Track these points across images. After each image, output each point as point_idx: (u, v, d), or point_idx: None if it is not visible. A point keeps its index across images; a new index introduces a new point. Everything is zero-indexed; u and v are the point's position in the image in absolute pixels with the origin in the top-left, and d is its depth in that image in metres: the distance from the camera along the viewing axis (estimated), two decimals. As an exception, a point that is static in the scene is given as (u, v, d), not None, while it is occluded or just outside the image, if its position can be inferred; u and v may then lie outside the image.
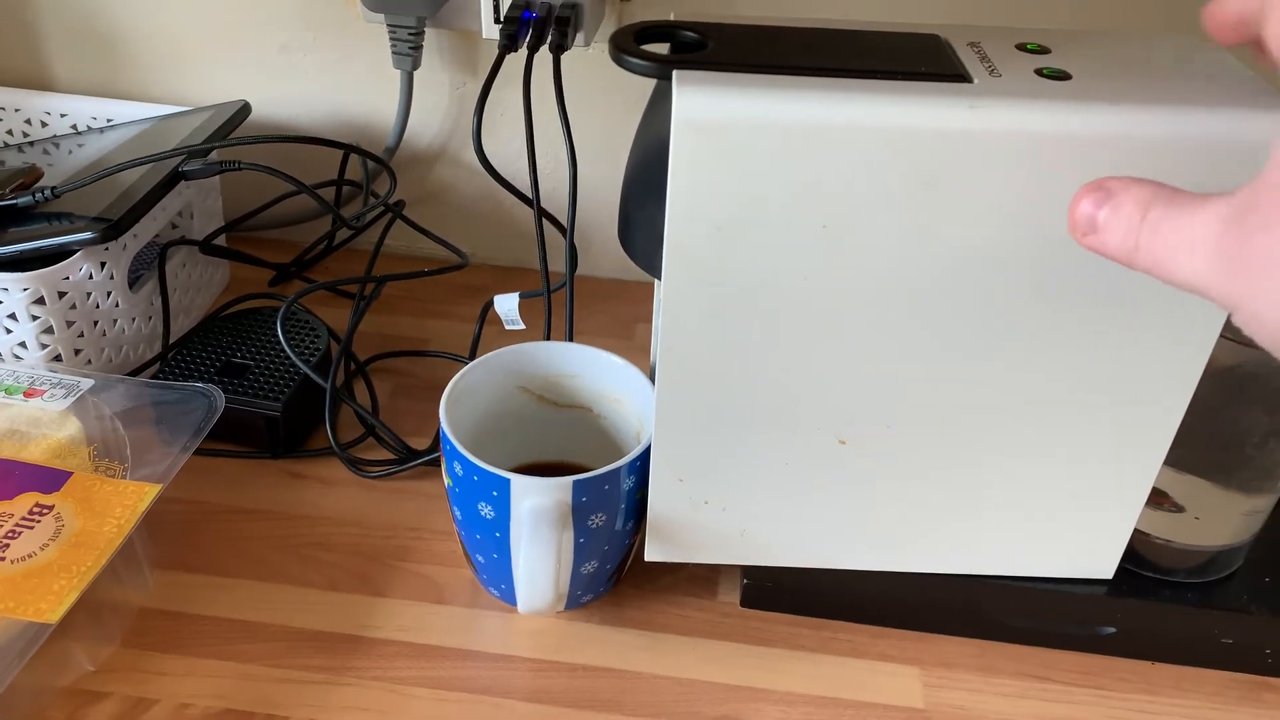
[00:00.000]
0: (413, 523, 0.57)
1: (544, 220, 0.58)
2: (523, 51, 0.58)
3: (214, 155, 0.63)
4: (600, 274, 0.78)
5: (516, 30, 0.58)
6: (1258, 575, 0.52)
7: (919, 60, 0.39)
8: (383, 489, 0.59)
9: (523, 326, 0.59)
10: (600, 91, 0.70)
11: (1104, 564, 0.50)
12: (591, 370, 0.54)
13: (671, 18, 0.42)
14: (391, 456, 0.60)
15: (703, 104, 0.36)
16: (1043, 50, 0.40)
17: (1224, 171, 0.36)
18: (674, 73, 0.37)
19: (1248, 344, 0.45)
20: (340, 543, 0.55)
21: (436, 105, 0.73)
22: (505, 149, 0.74)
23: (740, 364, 0.43)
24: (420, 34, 0.67)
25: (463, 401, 0.51)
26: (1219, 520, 0.51)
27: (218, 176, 0.68)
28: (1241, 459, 0.48)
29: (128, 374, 0.61)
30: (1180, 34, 0.43)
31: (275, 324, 0.62)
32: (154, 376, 0.61)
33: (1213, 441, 0.48)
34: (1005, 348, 0.42)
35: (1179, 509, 0.51)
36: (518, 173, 0.73)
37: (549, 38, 0.58)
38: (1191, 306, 0.40)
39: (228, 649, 0.49)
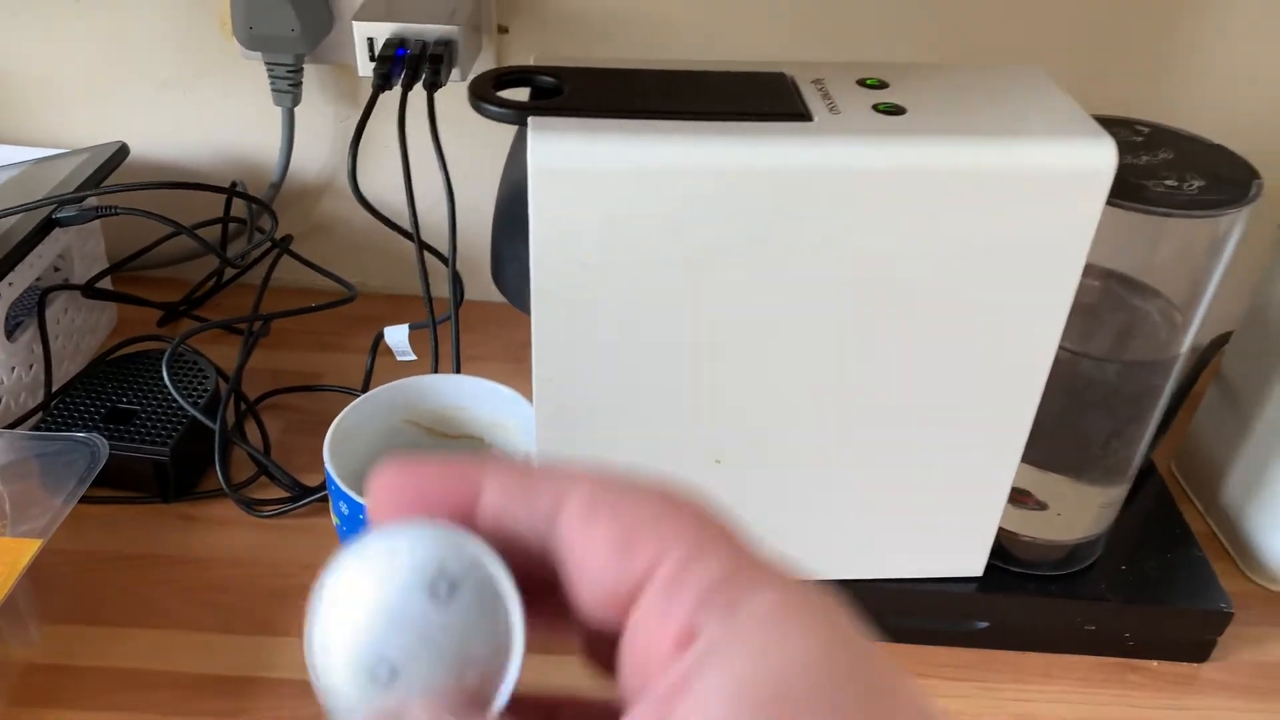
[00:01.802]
0: (309, 560, 0.57)
1: (429, 251, 0.59)
2: (399, 88, 0.58)
3: (91, 199, 0.63)
4: (492, 299, 0.78)
5: (390, 68, 0.58)
6: (1114, 564, 0.55)
7: (764, 100, 0.41)
8: (277, 528, 0.59)
9: (414, 357, 0.60)
10: (483, 119, 0.71)
11: (973, 562, 0.53)
12: (479, 401, 0.55)
13: (531, 61, 0.44)
14: (285, 495, 0.61)
15: (556, 150, 0.38)
16: (881, 85, 0.42)
17: (1046, 197, 0.39)
18: (529, 119, 0.39)
19: (1084, 354, 0.48)
20: (235, 584, 0.55)
21: (320, 139, 0.73)
22: (391, 181, 0.74)
23: (614, 393, 0.44)
24: (299, 70, 0.67)
25: (349, 439, 0.51)
26: (1078, 514, 0.54)
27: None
28: (1091, 457, 0.51)
29: (7, 426, 0.60)
30: (1012, 62, 0.46)
31: (162, 367, 0.62)
32: (36, 426, 0.60)
33: (1065, 442, 0.51)
34: (861, 366, 0.44)
35: (1042, 506, 0.54)
36: (404, 204, 0.74)
37: (424, 74, 0.59)
38: (1029, 319, 0.43)
39: (120, 699, 0.49)
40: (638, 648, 0.19)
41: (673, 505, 0.20)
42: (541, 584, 0.21)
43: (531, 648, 0.21)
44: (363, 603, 0.19)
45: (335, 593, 0.19)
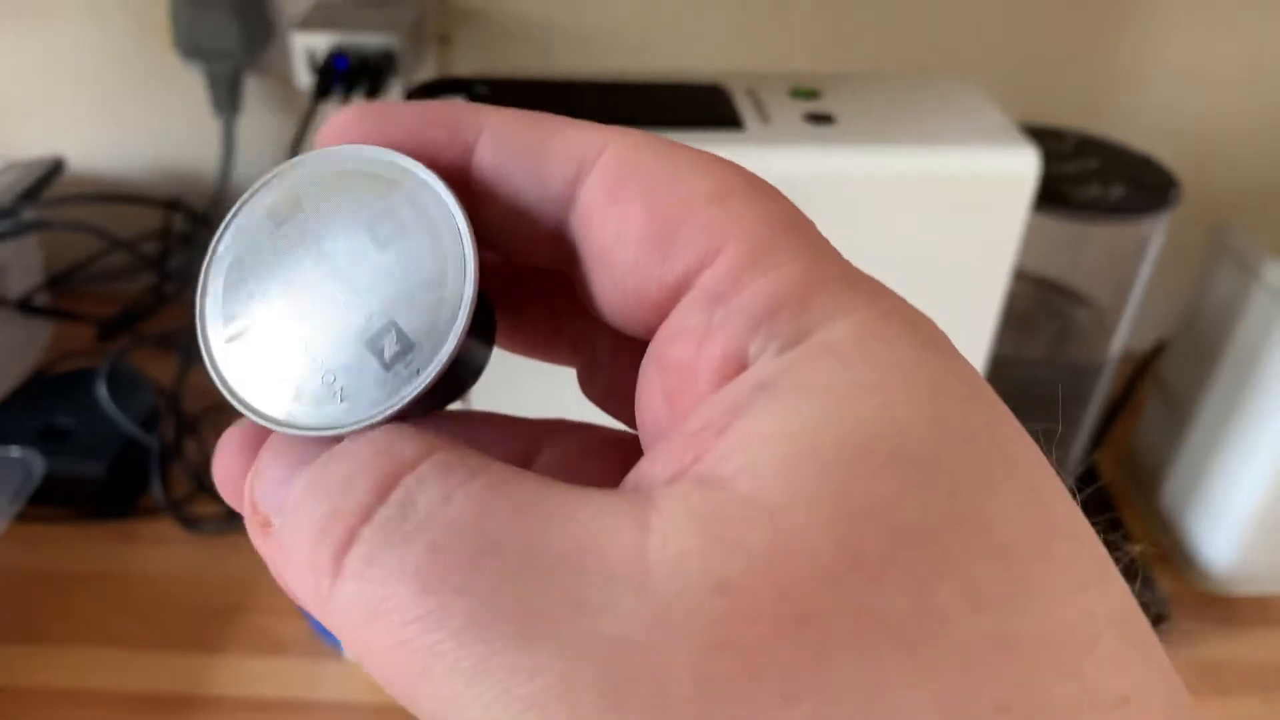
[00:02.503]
0: (248, 576, 0.56)
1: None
2: (340, 99, 0.58)
3: (28, 214, 0.62)
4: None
5: (330, 80, 0.58)
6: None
7: (697, 109, 0.41)
8: (217, 545, 0.58)
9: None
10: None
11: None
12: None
13: (467, 73, 0.44)
14: (225, 512, 0.60)
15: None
16: (814, 95, 0.43)
17: (972, 204, 0.40)
18: (461, 129, 0.39)
19: (1017, 358, 0.49)
20: (173, 601, 0.55)
21: (261, 152, 0.73)
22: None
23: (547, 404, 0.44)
24: (237, 81, 0.67)
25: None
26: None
27: (34, 234, 0.66)
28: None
29: (-60, 444, 0.59)
30: (952, 73, 0.46)
31: (99, 384, 0.61)
32: (-31, 444, 0.59)
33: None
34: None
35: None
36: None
37: (363, 86, 0.59)
38: (961, 324, 0.43)
39: (54, 716, 0.48)
40: (667, 372, 0.14)
41: (732, 184, 0.15)
42: (546, 281, 0.16)
43: (513, 349, 0.17)
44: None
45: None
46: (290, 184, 0.17)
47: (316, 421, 0.16)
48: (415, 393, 0.15)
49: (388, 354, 0.16)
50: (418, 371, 0.15)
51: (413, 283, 0.16)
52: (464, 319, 0.15)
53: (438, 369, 0.15)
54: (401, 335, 0.16)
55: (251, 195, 0.17)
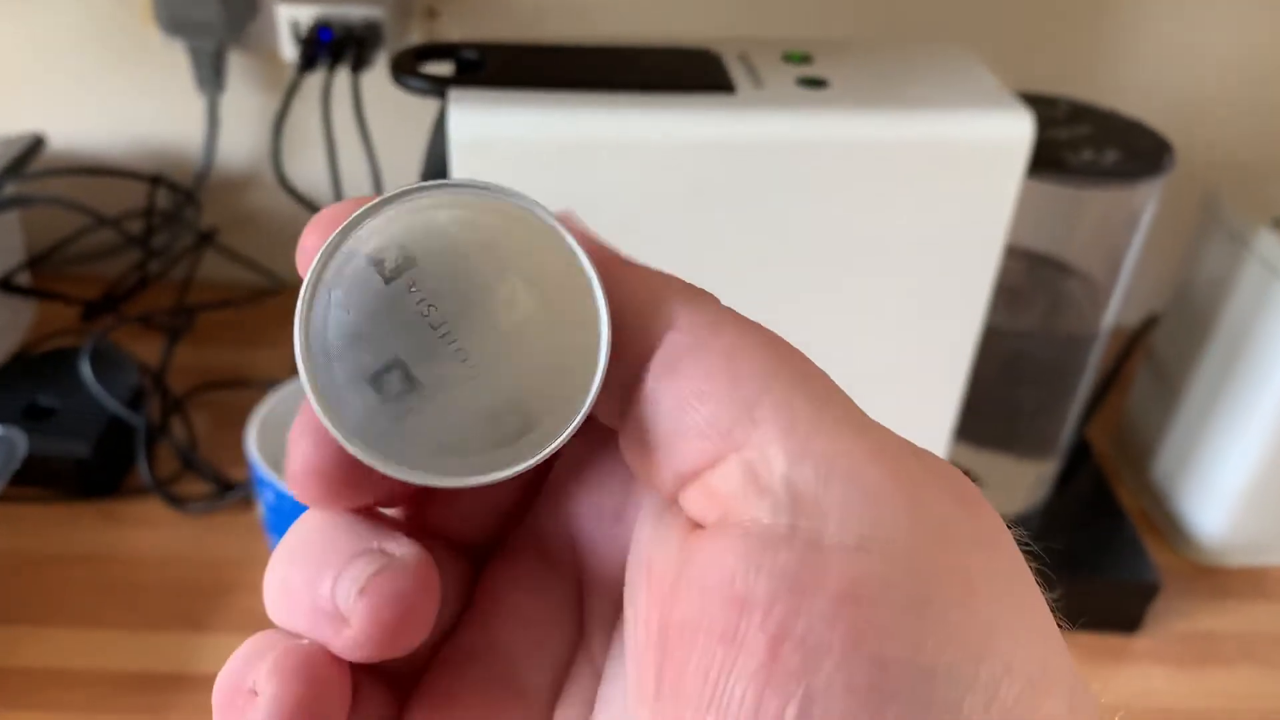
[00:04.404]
0: (236, 556, 0.56)
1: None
2: (324, 72, 0.57)
3: (7, 194, 0.61)
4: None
5: (315, 51, 0.57)
6: (1048, 542, 0.55)
7: (688, 74, 0.40)
8: (204, 524, 0.58)
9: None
10: (416, 104, 0.70)
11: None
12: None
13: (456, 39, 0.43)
14: (211, 491, 0.59)
15: (476, 122, 0.37)
16: (806, 60, 0.42)
17: (966, 169, 0.39)
18: (449, 92, 0.38)
19: (1011, 330, 0.49)
20: (160, 581, 0.54)
21: (245, 129, 0.72)
22: (319, 172, 0.73)
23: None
24: (221, 57, 0.66)
25: (278, 428, 0.50)
26: (1013, 489, 0.54)
27: (16, 212, 0.65)
28: (1021, 427, 0.51)
29: (-79, 423, 0.58)
30: (945, 40, 0.46)
31: (82, 363, 0.60)
32: (-49, 424, 0.58)
33: (997, 415, 0.52)
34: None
35: (977, 483, 0.54)
36: (332, 195, 0.73)
37: (349, 58, 0.58)
38: (955, 290, 0.43)
39: (40, 698, 0.48)
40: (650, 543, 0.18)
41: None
42: None
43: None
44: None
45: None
46: (400, 233, 0.17)
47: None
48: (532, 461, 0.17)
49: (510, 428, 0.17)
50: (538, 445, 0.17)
51: (540, 364, 0.17)
52: (590, 401, 0.17)
53: (557, 444, 0.17)
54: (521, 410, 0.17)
55: (355, 226, 0.17)
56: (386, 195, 0.17)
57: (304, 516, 0.19)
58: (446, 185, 0.17)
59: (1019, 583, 0.17)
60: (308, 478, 0.18)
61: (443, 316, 0.17)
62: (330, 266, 0.17)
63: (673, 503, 0.18)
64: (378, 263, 0.17)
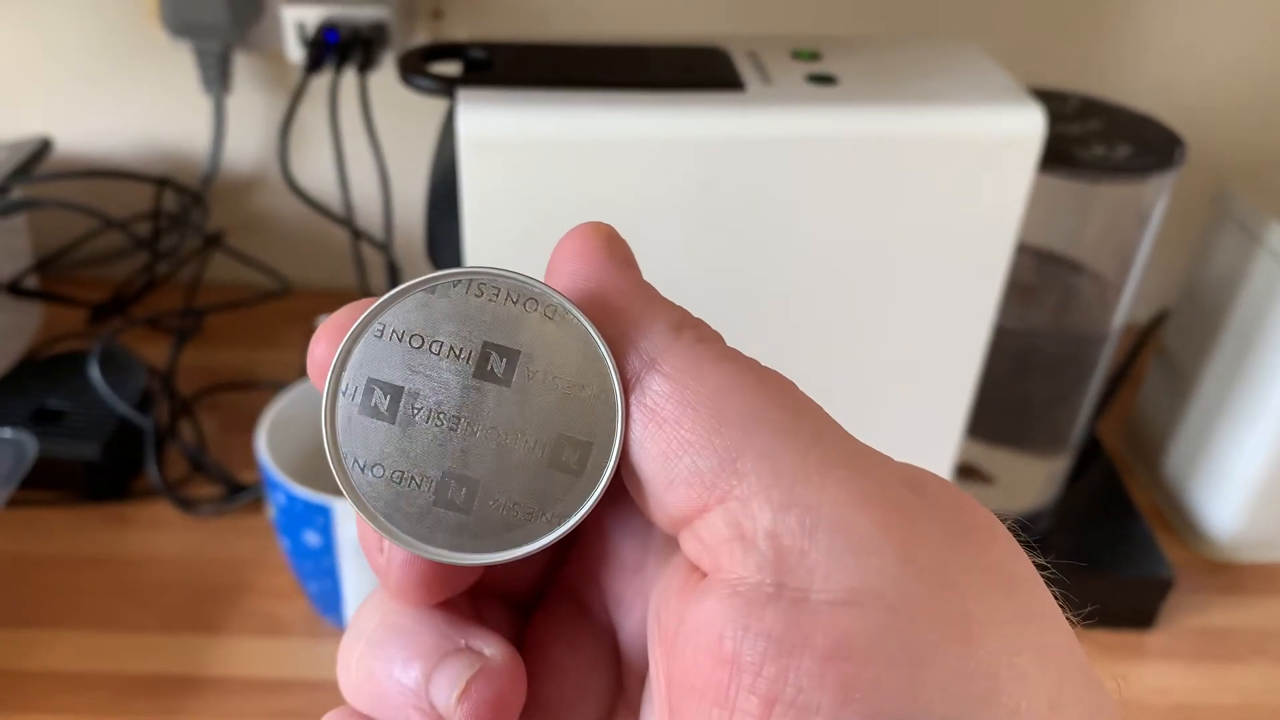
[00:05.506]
0: (247, 557, 0.56)
1: (364, 240, 0.58)
2: (331, 73, 0.57)
3: (15, 196, 0.61)
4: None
5: (321, 53, 0.57)
6: (1061, 538, 0.55)
7: (697, 71, 0.40)
8: (214, 526, 0.58)
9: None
10: (423, 105, 0.70)
11: (919, 538, 0.53)
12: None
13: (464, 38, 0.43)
14: (221, 493, 0.59)
15: (486, 122, 0.37)
16: (815, 56, 0.42)
17: (977, 165, 0.39)
18: (458, 92, 0.38)
19: (1023, 328, 0.48)
20: (172, 584, 0.54)
21: (253, 130, 0.72)
22: (326, 173, 0.73)
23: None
24: (227, 59, 0.66)
25: (287, 430, 0.50)
26: (1024, 486, 0.54)
27: (22, 216, 0.65)
28: (1033, 424, 0.51)
29: (-69, 427, 0.58)
30: (952, 36, 0.46)
31: (91, 366, 0.60)
32: (-40, 428, 0.58)
33: (1008, 411, 0.51)
34: (795, 337, 0.44)
35: (989, 481, 0.54)
36: (339, 196, 0.73)
37: (355, 59, 0.58)
38: (967, 287, 0.43)
39: (54, 703, 0.48)
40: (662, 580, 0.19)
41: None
42: None
43: None
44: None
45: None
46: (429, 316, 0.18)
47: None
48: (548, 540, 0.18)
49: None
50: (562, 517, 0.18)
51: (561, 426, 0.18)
52: (604, 484, 0.18)
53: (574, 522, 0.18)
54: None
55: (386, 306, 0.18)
56: (381, 300, 0.18)
57: (378, 602, 0.20)
58: (440, 280, 0.18)
59: (1032, 615, 0.16)
60: (415, 589, 0.19)
61: (455, 414, 0.17)
62: (343, 379, 0.18)
63: (676, 546, 0.18)
64: (373, 408, 0.18)
